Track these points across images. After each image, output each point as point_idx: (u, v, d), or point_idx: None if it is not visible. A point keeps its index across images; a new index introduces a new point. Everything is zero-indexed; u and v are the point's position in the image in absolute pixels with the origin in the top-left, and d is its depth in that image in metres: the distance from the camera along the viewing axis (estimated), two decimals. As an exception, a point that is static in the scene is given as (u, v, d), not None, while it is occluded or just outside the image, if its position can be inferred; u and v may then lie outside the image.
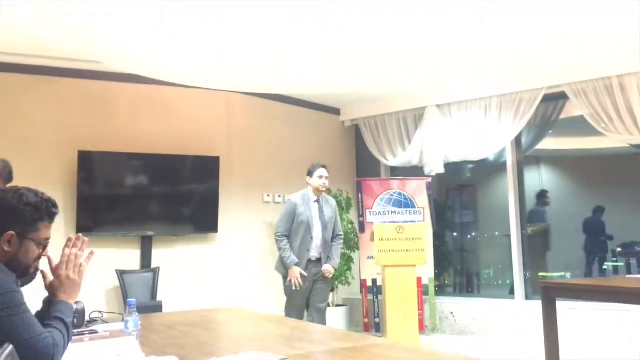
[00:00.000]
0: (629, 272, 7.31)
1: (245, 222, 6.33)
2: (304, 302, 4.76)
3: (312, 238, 4.73)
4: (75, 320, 1.83)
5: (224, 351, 1.99)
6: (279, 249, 4.77)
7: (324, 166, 4.83)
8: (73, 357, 1.87)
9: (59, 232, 4.49)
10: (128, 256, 5.60)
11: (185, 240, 5.90)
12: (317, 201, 4.82)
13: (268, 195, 6.56)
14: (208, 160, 5.99)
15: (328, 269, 4.78)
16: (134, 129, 5.74)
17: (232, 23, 4.26)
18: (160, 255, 5.73)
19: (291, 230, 4.75)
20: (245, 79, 5.85)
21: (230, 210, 6.18)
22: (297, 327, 2.63)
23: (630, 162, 7.40)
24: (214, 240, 6.05)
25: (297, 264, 4.66)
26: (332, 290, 6.31)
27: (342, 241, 5.02)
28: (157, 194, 5.82)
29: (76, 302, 1.84)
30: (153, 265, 5.64)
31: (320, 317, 4.75)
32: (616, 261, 8.16)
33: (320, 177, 4.78)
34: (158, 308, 4.97)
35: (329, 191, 6.18)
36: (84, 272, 1.83)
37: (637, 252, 7.84)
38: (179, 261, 5.82)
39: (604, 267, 8.22)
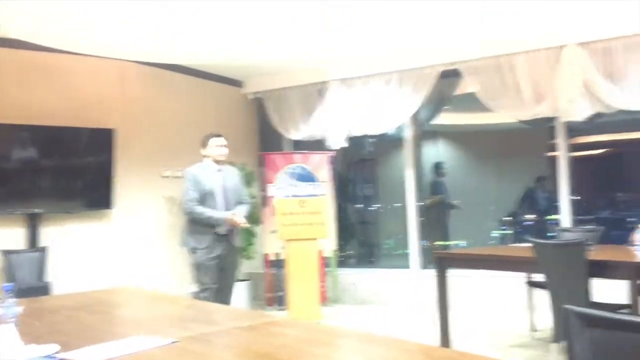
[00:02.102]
0: (515, 240, 7.80)
1: (143, 198, 6.12)
2: (215, 281, 4.58)
3: (216, 208, 4.59)
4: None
5: (110, 336, 1.91)
6: (198, 215, 4.51)
7: (219, 135, 4.69)
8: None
9: None
10: (14, 235, 5.25)
11: (78, 217, 5.61)
12: (220, 170, 4.69)
13: (167, 170, 6.36)
14: (101, 133, 5.70)
15: (240, 219, 4.59)
16: (20, 98, 5.33)
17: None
18: (50, 233, 5.42)
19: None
20: (140, 47, 5.59)
21: (127, 186, 5.94)
22: (191, 306, 2.58)
23: (518, 136, 7.85)
24: (109, 217, 5.80)
25: (206, 239, 4.53)
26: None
27: (247, 207, 4.83)
28: (46, 168, 5.48)
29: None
30: (42, 245, 5.33)
31: (228, 297, 4.68)
32: (505, 229, 8.70)
33: (218, 145, 4.64)
34: (45, 290, 4.72)
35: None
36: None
37: (522, 220, 8.38)
38: (71, 240, 5.54)
39: (494, 234, 8.73)
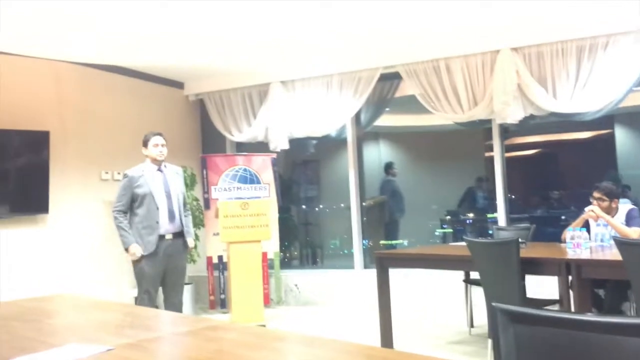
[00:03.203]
0: (455, 238, 8.02)
1: (81, 201, 5.95)
2: (157, 284, 4.57)
3: (157, 208, 4.51)
4: None
5: (44, 345, 1.86)
6: (116, 227, 4.54)
7: (159, 134, 4.63)
8: None
9: None
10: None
11: (11, 222, 5.40)
12: (160, 170, 4.62)
13: (106, 172, 6.21)
14: (36, 135, 5.51)
15: (191, 242, 4.72)
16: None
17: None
18: (-19, 240, 5.20)
19: (133, 205, 4.52)
20: (77, 48, 5.45)
21: (64, 189, 5.76)
22: (129, 313, 2.54)
23: (458, 137, 8.07)
24: (44, 222, 5.62)
25: (148, 241, 4.46)
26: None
27: (189, 212, 4.87)
28: (-24, 172, 5.26)
29: None
30: (-28, 252, 5.11)
31: (178, 303, 4.63)
32: (446, 228, 8.92)
33: (156, 145, 4.57)
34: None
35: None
36: None
37: (461, 219, 8.62)
38: (5, 246, 5.32)
39: (436, 233, 8.94)
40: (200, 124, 7.52)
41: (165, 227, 4.54)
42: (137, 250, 4.45)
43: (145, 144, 4.62)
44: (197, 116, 7.50)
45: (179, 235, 4.61)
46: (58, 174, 5.70)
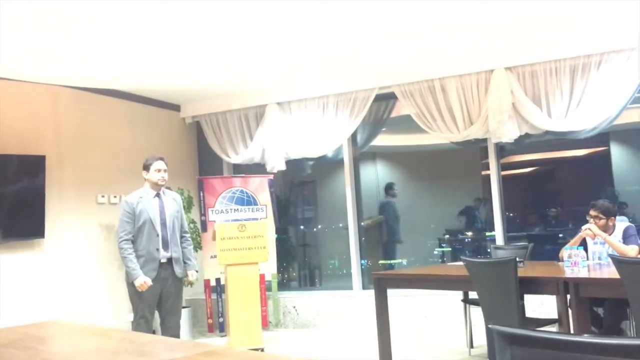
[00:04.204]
0: (454, 257, 7.99)
1: (78, 225, 5.93)
2: (153, 308, 4.54)
3: (158, 235, 4.50)
4: None
5: (37, 374, 1.84)
6: (122, 257, 4.49)
7: (161, 158, 4.60)
8: None
9: None
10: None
11: (6, 247, 5.37)
12: (158, 196, 4.60)
13: (103, 196, 6.20)
14: (32, 160, 5.50)
15: (193, 275, 4.78)
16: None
17: (60, 11, 3.95)
18: (-23, 265, 5.17)
19: (136, 232, 4.49)
20: (74, 72, 5.48)
21: (60, 213, 5.75)
22: (125, 339, 2.51)
23: (454, 156, 8.09)
24: (41, 247, 5.59)
25: (149, 268, 4.44)
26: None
27: (190, 240, 4.85)
28: (-28, 197, 5.24)
29: None
30: (-32, 277, 5.08)
31: (175, 326, 4.59)
32: (444, 247, 8.89)
33: (158, 170, 4.54)
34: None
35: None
36: None
37: (460, 238, 8.60)
38: (0, 271, 5.29)
39: (435, 252, 8.91)
40: (197, 146, 7.53)
41: (162, 254, 4.53)
42: (146, 281, 4.41)
43: (147, 168, 4.57)
44: (193, 138, 7.52)
45: (171, 261, 4.57)
46: (54, 198, 5.69)
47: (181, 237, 4.71)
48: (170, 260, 4.55)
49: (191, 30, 4.52)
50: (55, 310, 5.31)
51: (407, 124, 6.49)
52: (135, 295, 4.47)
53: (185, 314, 6.48)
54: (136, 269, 4.41)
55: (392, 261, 8.23)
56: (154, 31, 4.50)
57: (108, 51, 4.91)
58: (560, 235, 7.61)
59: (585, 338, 1.38)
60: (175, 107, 7.32)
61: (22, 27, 4.20)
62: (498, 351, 1.49)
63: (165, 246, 4.53)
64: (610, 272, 3.60)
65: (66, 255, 5.79)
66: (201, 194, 6.57)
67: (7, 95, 5.54)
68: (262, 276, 6.24)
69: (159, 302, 4.55)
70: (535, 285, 3.76)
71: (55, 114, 5.90)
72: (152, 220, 4.48)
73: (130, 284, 4.49)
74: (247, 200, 6.63)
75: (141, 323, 4.44)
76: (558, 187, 9.18)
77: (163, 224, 4.54)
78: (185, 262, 4.69)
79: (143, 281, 4.40)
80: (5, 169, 5.40)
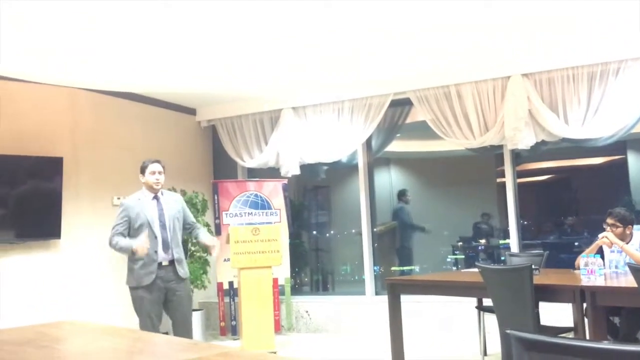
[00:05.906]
0: (467, 265, 7.94)
1: (94, 227, 5.97)
2: (159, 314, 4.45)
3: (156, 237, 4.42)
4: None
5: (54, 372, 1.86)
6: (114, 246, 4.39)
7: (157, 161, 4.52)
8: None
9: None
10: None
11: (24, 247, 5.43)
12: (156, 198, 4.53)
13: (118, 198, 6.22)
14: (49, 161, 5.57)
15: (213, 240, 4.66)
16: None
17: (79, 14, 4.00)
18: (-6, 265, 5.23)
19: (131, 235, 4.41)
20: (93, 75, 5.53)
21: (76, 214, 5.80)
22: (139, 339, 2.53)
23: (469, 163, 8.05)
24: (57, 247, 5.64)
25: (147, 271, 4.38)
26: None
27: (199, 225, 4.75)
28: (-9, 198, 5.30)
29: None
30: (-15, 276, 5.13)
31: (187, 330, 4.50)
32: (457, 254, 8.84)
33: (152, 172, 4.45)
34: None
35: (183, 193, 6.03)
36: None
37: (473, 246, 8.56)
38: (17, 271, 5.35)
39: (448, 259, 8.86)
40: (212, 150, 7.57)
41: (162, 256, 4.43)
42: (144, 243, 4.28)
43: (142, 170, 4.50)
44: (208, 142, 7.56)
45: (173, 263, 4.47)
46: (71, 199, 5.74)
47: (190, 228, 4.66)
48: (172, 262, 4.47)
49: (208, 34, 4.56)
50: (70, 310, 5.35)
51: (422, 130, 6.47)
52: (137, 300, 4.40)
53: (197, 316, 6.49)
54: (129, 242, 4.33)
55: (405, 267, 8.20)
56: (172, 35, 4.54)
57: (125, 54, 4.96)
58: (576, 243, 7.54)
59: (604, 345, 1.36)
60: (191, 111, 7.37)
61: (42, 30, 4.25)
62: (515, 357, 1.48)
63: (166, 248, 4.45)
64: (628, 280, 3.56)
65: (81, 256, 5.84)
66: (216, 197, 6.59)
67: (26, 97, 5.61)
68: (275, 280, 6.25)
69: (165, 302, 4.46)
70: (551, 293, 3.73)
71: (72, 116, 5.96)
72: (150, 223, 4.42)
73: (132, 289, 4.42)
74: (261, 204, 6.65)
75: (147, 324, 4.38)
76: (574, 195, 9.10)
77: (162, 226, 4.47)
78: (203, 242, 4.65)
79: (141, 242, 4.27)
80: (24, 170, 5.47)
